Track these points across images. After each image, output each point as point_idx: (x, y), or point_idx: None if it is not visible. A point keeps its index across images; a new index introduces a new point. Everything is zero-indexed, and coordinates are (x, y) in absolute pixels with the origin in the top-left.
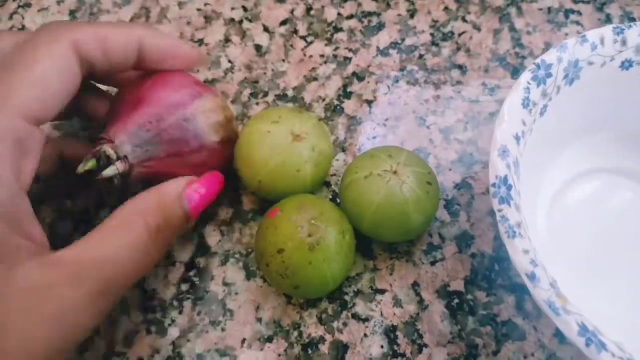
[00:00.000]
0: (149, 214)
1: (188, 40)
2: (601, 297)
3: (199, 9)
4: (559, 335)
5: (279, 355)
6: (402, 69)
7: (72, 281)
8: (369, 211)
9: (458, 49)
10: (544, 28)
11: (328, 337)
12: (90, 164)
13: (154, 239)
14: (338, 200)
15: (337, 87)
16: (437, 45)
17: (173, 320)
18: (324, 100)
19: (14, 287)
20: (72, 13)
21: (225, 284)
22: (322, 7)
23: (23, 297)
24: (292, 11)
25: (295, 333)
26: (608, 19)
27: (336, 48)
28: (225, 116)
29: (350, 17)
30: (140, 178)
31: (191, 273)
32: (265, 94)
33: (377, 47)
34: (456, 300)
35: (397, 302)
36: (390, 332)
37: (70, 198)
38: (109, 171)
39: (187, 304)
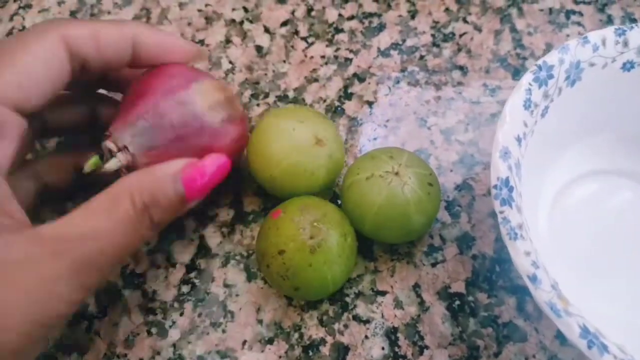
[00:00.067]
0: (137, 192)
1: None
2: (601, 297)
3: (199, 10)
4: (560, 337)
5: (280, 357)
6: (403, 70)
7: (52, 255)
8: (370, 212)
9: (459, 50)
10: (545, 29)
11: (329, 338)
12: (93, 160)
13: (140, 217)
14: (339, 202)
15: (338, 88)
16: (438, 46)
17: (174, 322)
18: (324, 101)
19: None
20: (72, 14)
21: (226, 285)
22: (323, 8)
23: (0, 270)
24: (293, 12)
25: (296, 335)
26: (609, 20)
27: (337, 49)
28: (225, 96)
29: (351, 18)
30: None
31: (192, 274)
32: (266, 95)
33: (378, 48)
34: (457, 302)
35: (398, 304)
36: (391, 334)
37: (70, 199)
38: (111, 164)
39: (188, 306)
